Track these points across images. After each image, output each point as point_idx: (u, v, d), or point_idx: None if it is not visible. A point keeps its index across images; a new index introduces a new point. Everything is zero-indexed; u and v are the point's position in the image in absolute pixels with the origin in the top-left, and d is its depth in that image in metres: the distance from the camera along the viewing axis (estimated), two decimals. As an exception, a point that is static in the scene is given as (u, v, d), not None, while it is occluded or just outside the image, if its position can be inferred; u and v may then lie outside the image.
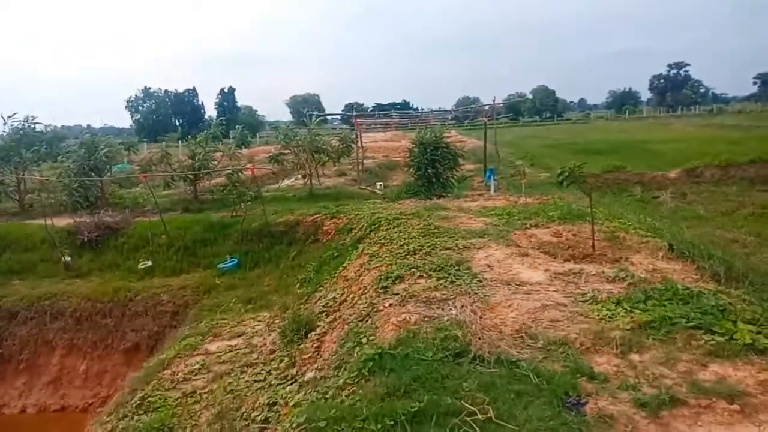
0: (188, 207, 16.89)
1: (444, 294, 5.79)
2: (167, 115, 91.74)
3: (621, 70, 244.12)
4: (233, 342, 8.32)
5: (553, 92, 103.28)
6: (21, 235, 14.56)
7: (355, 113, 20.00)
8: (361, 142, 22.16)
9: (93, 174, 17.67)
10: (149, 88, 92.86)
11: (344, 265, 9.02)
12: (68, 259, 13.44)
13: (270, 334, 8.20)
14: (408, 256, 7.48)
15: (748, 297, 5.39)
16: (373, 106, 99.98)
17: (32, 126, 19.33)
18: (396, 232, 9.24)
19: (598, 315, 4.93)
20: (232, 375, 6.86)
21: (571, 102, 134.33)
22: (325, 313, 7.30)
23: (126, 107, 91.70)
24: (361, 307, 5.83)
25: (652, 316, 4.67)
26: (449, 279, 6.27)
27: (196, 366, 7.49)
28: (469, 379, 3.80)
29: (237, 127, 19.20)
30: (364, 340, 4.88)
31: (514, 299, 5.53)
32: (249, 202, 14.81)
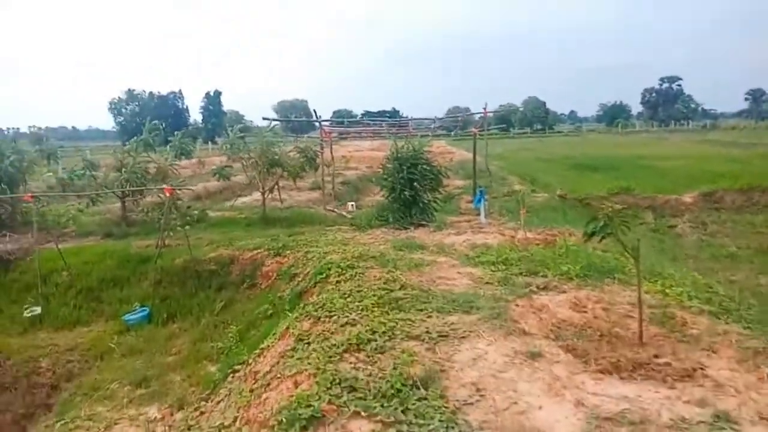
0: (112, 231, 13.85)
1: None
2: (151, 118, 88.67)
3: (611, 83, 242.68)
4: (82, 471, 5.36)
5: (544, 103, 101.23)
6: None
7: (320, 119, 17.00)
8: (332, 154, 19.23)
9: (3, 187, 14.66)
10: (133, 90, 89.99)
11: (264, 345, 6.12)
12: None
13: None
14: (347, 355, 4.62)
15: None
16: (362, 113, 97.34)
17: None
18: (344, 295, 6.36)
19: None
20: None
21: (562, 114, 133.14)
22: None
23: (109, 109, 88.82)
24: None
25: None
26: (406, 425, 3.43)
27: None
28: None
29: (176, 133, 16.02)
30: None
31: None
32: (186, 227, 11.82)
